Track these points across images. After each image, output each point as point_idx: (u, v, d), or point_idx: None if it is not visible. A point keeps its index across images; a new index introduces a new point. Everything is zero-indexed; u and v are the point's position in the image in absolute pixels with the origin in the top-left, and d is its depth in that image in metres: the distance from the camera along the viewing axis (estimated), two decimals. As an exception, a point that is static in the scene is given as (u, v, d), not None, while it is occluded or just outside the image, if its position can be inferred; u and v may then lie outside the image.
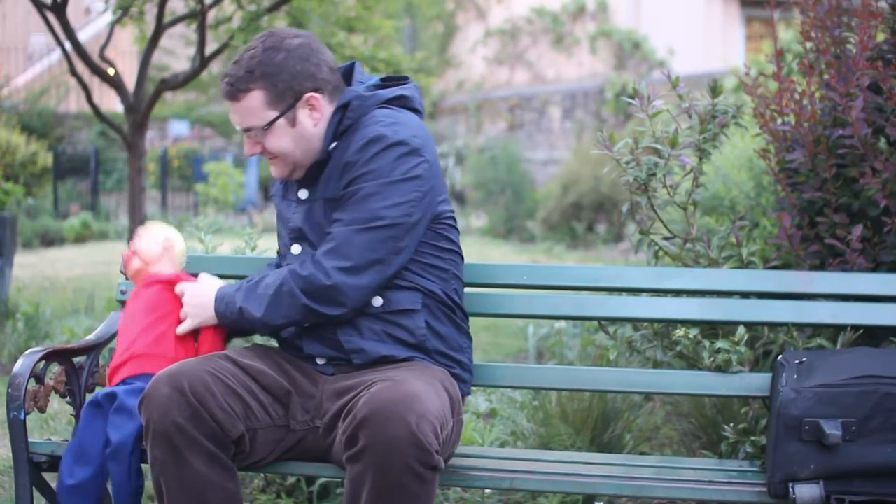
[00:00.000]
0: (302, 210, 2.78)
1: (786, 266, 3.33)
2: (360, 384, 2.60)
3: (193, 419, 2.52)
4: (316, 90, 2.70)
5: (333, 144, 2.73)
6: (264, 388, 2.66)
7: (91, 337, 3.05)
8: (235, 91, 2.69)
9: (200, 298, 2.82)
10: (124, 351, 2.86)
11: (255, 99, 2.68)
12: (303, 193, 2.78)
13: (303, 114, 2.70)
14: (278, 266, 2.95)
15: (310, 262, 2.68)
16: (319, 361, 2.76)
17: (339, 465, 2.63)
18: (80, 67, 6.94)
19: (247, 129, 2.72)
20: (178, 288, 2.88)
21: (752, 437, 3.11)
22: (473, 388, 3.21)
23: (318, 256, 2.67)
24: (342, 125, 2.72)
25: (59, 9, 6.45)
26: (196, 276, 2.94)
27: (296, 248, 2.79)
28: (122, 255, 3.03)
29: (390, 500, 2.39)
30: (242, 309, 2.73)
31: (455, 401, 2.65)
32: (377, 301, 2.69)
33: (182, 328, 2.84)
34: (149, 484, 2.73)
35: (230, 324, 2.79)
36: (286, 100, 2.68)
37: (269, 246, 3.04)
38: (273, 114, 2.68)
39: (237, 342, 3.04)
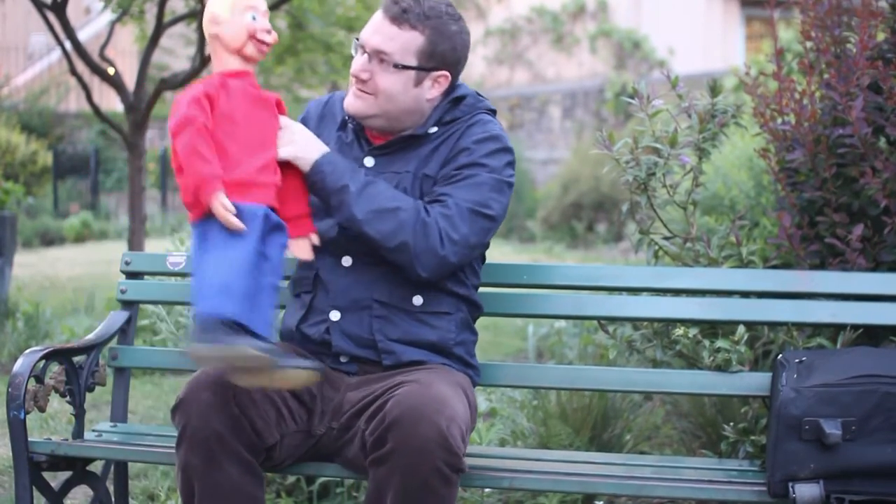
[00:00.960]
0: None
1: (786, 266, 3.33)
2: (383, 386, 2.57)
3: (234, 427, 2.47)
4: (452, 75, 2.71)
5: (434, 129, 2.72)
6: (293, 393, 2.61)
7: (91, 336, 3.04)
8: (403, 19, 2.63)
9: (309, 140, 2.67)
10: (267, 169, 2.56)
11: (414, 38, 2.64)
12: (369, 161, 2.73)
13: (428, 83, 2.68)
14: None
15: (431, 216, 2.60)
16: (343, 359, 2.69)
17: (348, 464, 2.63)
18: (80, 67, 6.93)
19: (377, 52, 2.64)
20: (286, 120, 2.68)
21: (752, 437, 3.11)
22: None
23: (436, 216, 2.60)
24: (449, 115, 2.72)
25: (59, 8, 6.44)
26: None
27: None
28: (242, 16, 2.72)
29: (416, 502, 2.38)
30: (346, 189, 2.60)
31: (473, 407, 2.65)
32: (417, 300, 2.67)
33: (283, 154, 2.62)
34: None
35: (316, 182, 2.63)
36: (431, 62, 2.66)
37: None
38: (413, 62, 2.64)
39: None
